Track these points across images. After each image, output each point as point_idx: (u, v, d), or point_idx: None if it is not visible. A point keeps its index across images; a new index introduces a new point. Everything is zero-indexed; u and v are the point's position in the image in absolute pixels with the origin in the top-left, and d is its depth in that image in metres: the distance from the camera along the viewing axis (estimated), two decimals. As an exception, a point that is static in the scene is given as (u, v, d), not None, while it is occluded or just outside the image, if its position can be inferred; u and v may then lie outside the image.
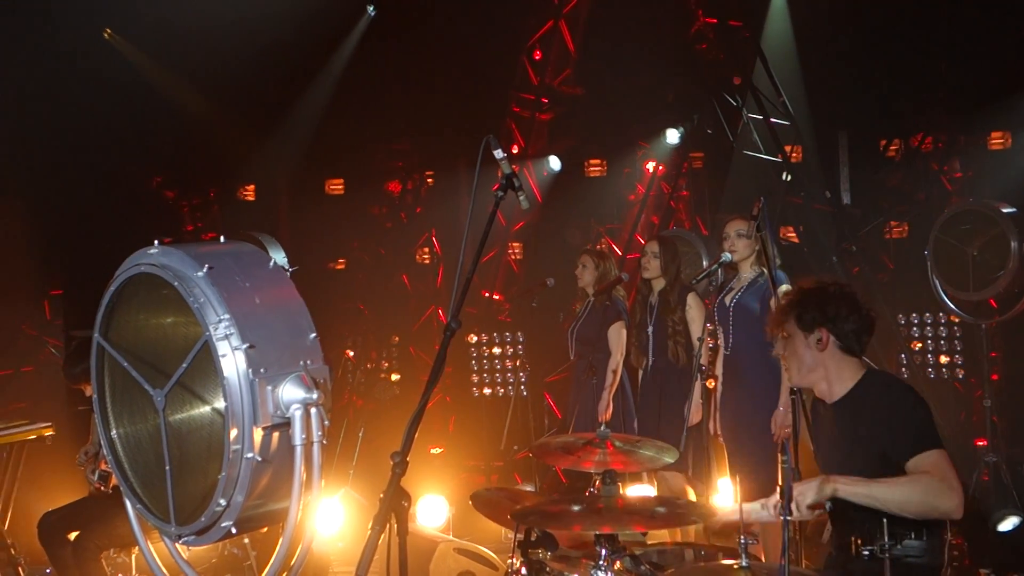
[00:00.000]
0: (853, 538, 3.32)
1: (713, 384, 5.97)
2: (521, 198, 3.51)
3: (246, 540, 6.22)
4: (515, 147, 9.84)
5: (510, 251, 9.88)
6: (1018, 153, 7.89)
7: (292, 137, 10.05)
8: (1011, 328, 7.74)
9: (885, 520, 3.11)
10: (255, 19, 8.60)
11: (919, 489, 3.25)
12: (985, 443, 7.23)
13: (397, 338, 9.74)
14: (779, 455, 3.07)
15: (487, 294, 9.76)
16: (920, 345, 7.89)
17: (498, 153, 3.44)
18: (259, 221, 9.94)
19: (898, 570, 3.14)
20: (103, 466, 5.52)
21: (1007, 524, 6.41)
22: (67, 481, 6.47)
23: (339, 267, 10.31)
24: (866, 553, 3.12)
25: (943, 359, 7.84)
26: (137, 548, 5.79)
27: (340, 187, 10.35)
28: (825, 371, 3.63)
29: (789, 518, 2.95)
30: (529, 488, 7.30)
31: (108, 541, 5.54)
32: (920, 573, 3.28)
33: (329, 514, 6.65)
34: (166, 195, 10.59)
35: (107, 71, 8.82)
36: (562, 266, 7.82)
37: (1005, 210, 7.10)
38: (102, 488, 5.55)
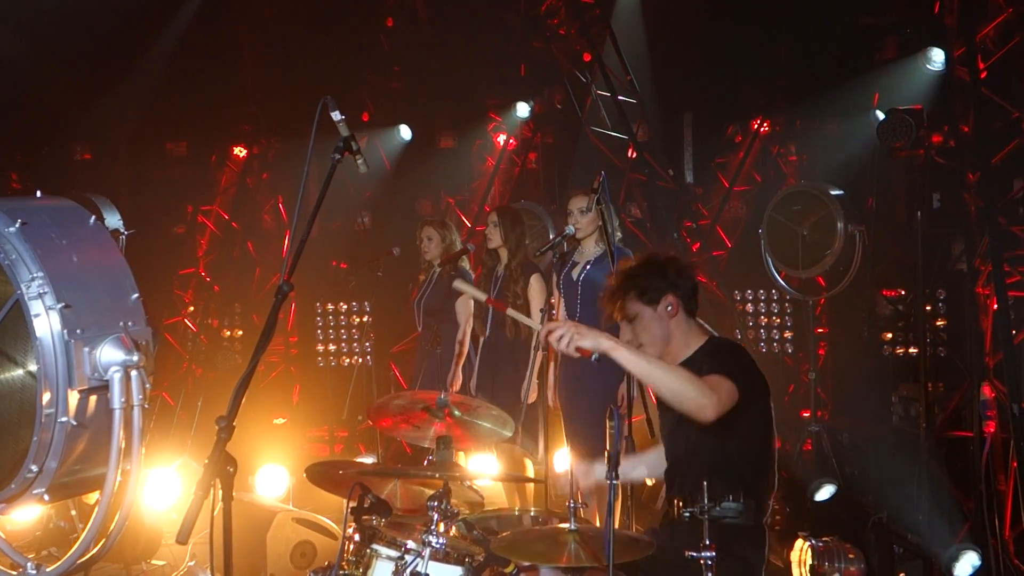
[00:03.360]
0: (676, 500, 3.45)
1: (552, 357, 6.07)
2: (359, 161, 3.46)
3: (73, 512, 6.01)
4: (366, 115, 9.72)
5: (358, 220, 9.77)
6: (848, 138, 8.27)
7: (132, 95, 9.61)
8: (836, 305, 8.16)
9: (705, 483, 3.24)
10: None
11: (693, 385, 3.32)
12: (809, 414, 7.60)
13: (239, 305, 9.51)
14: (607, 421, 3.15)
15: (334, 263, 9.63)
16: (753, 320, 8.22)
17: (336, 115, 3.40)
18: (96, 182, 9.48)
19: (717, 530, 3.28)
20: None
21: (824, 493, 6.76)
22: None
23: (181, 232, 9.97)
24: (687, 514, 3.24)
25: (775, 334, 8.19)
26: (-48, 521, 5.54)
27: (183, 149, 9.98)
28: (676, 338, 3.71)
29: (615, 482, 3.03)
30: (371, 460, 7.28)
31: None
32: (738, 533, 3.43)
33: (164, 486, 6.46)
34: (-10, 150, 9.99)
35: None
36: (410, 236, 7.78)
37: (833, 192, 7.45)
38: None
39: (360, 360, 8.80)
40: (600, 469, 3.83)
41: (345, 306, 8.88)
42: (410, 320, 7.34)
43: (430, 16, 9.63)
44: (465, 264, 7.02)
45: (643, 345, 3.70)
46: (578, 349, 3.30)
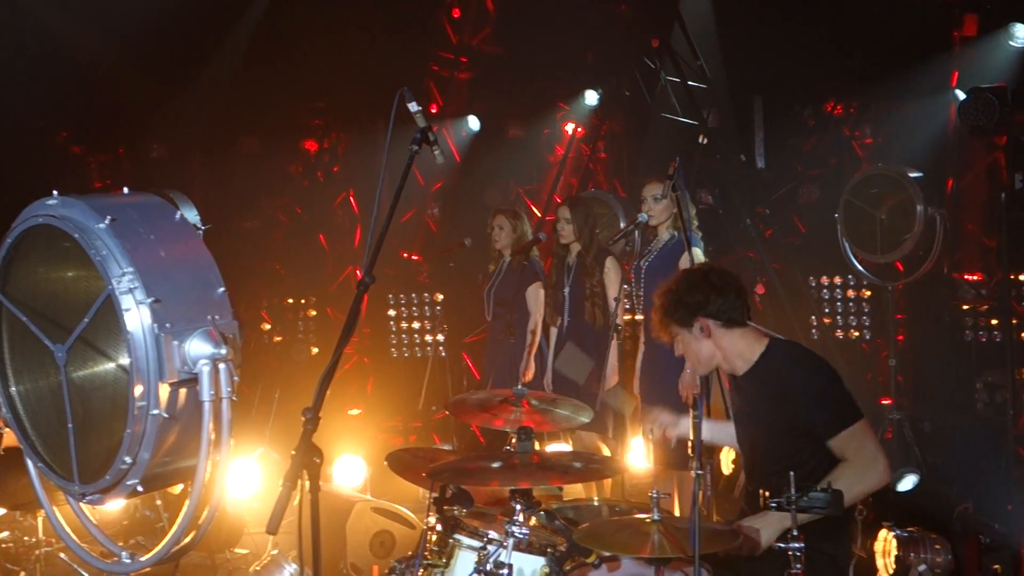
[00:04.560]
0: (761, 491, 3.40)
1: (628, 345, 6.05)
2: (436, 152, 3.47)
3: (158, 502, 6.13)
4: (434, 107, 9.75)
5: (428, 211, 9.82)
6: (926, 119, 8.07)
7: (206, 93, 9.78)
8: (916, 290, 7.97)
9: (792, 473, 3.18)
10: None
11: (854, 479, 3.40)
12: (890, 402, 7.44)
13: (314, 298, 9.62)
14: (691, 410, 3.11)
15: (405, 255, 9.69)
16: (830, 307, 8.07)
17: (412, 106, 3.40)
18: (171, 178, 9.67)
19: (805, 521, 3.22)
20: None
21: (906, 483, 6.60)
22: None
23: (254, 226, 10.12)
24: (773, 504, 3.19)
25: (852, 320, 8.04)
26: (43, 510, 5.70)
27: (255, 145, 10.12)
28: (722, 352, 3.70)
29: (699, 472, 2.99)
30: (447, 448, 7.33)
31: (1, 500, 5.45)
32: (826, 524, 3.37)
33: (245, 475, 6.57)
34: (72, 150, 10.23)
35: (6, 20, 8.45)
36: (480, 227, 7.79)
37: (912, 174, 7.27)
38: None
39: (432, 352, 8.85)
40: (685, 423, 3.83)
41: (417, 297, 8.93)
42: (481, 310, 7.35)
43: (497, 5, 9.60)
44: (535, 254, 6.99)
45: (690, 362, 3.83)
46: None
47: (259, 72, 9.59)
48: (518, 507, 3.49)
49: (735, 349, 3.68)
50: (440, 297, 8.91)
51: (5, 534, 6.09)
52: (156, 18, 8.41)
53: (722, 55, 9.12)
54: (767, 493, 3.20)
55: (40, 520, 5.77)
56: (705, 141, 8.70)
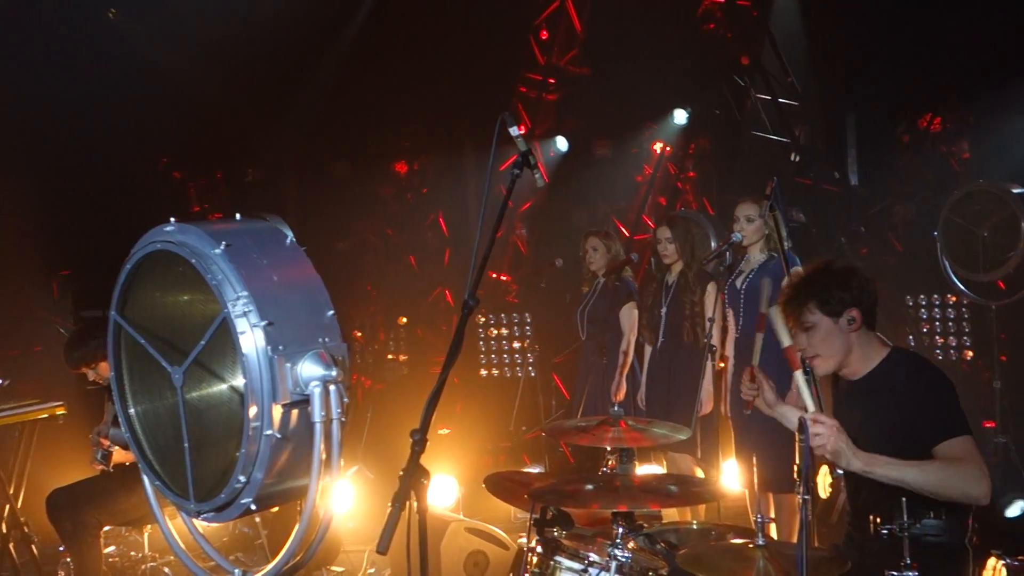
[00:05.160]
0: (871, 516, 3.31)
1: (724, 365, 5.98)
2: (537, 176, 3.49)
3: (257, 519, 6.24)
4: (522, 128, 9.76)
5: (517, 232, 9.86)
6: (1025, 134, 7.85)
7: (299, 118, 10.01)
8: (1020, 309, 7.72)
9: (904, 499, 3.10)
10: (262, 5, 8.56)
11: (955, 475, 3.21)
12: (994, 425, 7.21)
13: (405, 319, 9.73)
14: (797, 433, 3.06)
15: (494, 275, 9.74)
16: (928, 327, 7.87)
17: (513, 131, 3.43)
18: (266, 202, 9.93)
19: (917, 549, 3.13)
20: (105, 445, 5.58)
21: (1015, 509, 6.39)
22: (79, 459, 6.48)
23: (346, 248, 10.29)
24: (884, 532, 3.11)
25: (952, 341, 7.82)
26: (148, 526, 5.86)
27: (347, 168, 10.31)
28: (856, 351, 3.57)
29: (807, 497, 2.93)
30: (538, 469, 7.32)
31: (109, 518, 5.62)
32: (939, 552, 3.27)
33: (340, 493, 6.66)
34: (173, 176, 10.56)
35: (113, 51, 8.77)
36: (569, 247, 7.79)
37: (1015, 190, 7.07)
38: (103, 468, 5.60)
39: (521, 372, 8.87)
40: (785, 410, 3.76)
41: (506, 318, 8.97)
42: (569, 330, 7.34)
43: (585, 26, 9.63)
44: (628, 274, 6.97)
45: (819, 356, 3.58)
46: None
47: (350, 97, 9.79)
48: (620, 530, 3.47)
49: (863, 350, 3.56)
50: (529, 317, 8.93)
51: (112, 548, 6.27)
52: (253, 48, 8.66)
53: (814, 72, 9.00)
54: (878, 519, 3.12)
55: (146, 535, 5.93)
56: (797, 159, 8.59)
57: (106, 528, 5.81)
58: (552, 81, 9.87)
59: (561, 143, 9.85)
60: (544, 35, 9.81)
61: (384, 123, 10.13)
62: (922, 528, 3.02)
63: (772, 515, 5.47)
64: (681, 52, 9.32)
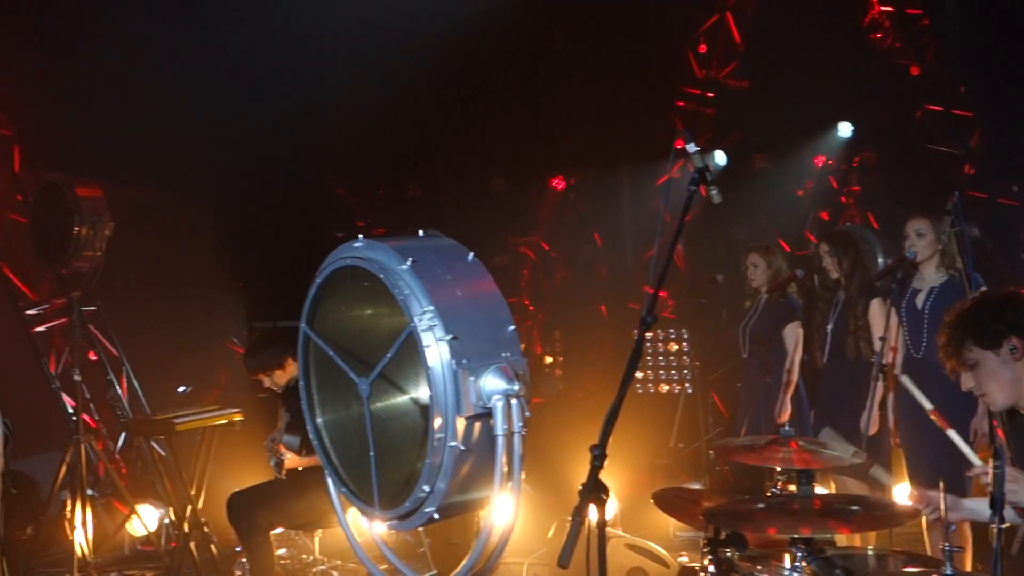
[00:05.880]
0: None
1: (892, 387, 5.78)
2: (713, 192, 3.47)
3: (420, 528, 6.35)
4: (680, 143, 9.69)
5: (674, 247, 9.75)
6: None
7: (455, 134, 10.19)
8: None
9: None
10: (424, 20, 8.74)
11: None
12: None
13: (559, 332, 9.77)
14: (991, 460, 2.93)
15: (651, 290, 9.64)
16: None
17: (691, 147, 3.42)
18: (424, 217, 10.13)
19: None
20: (279, 452, 5.80)
21: None
22: (255, 464, 6.78)
23: (503, 263, 10.42)
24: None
25: None
26: (319, 531, 6.06)
27: (503, 184, 10.44)
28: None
29: (1003, 526, 2.81)
30: (697, 486, 7.22)
31: (279, 520, 5.83)
32: None
33: (499, 506, 6.71)
34: (336, 191, 10.92)
35: (280, 70, 9.10)
36: (727, 262, 7.68)
37: None
38: (277, 474, 5.82)
39: (679, 389, 8.77)
40: (970, 504, 3.59)
41: (663, 334, 8.89)
42: (725, 347, 7.23)
43: (745, 38, 9.49)
44: (793, 290, 6.80)
45: (987, 394, 3.44)
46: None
47: (508, 113, 9.90)
48: (799, 554, 3.39)
49: None
50: (686, 333, 8.82)
51: (283, 551, 6.52)
52: (416, 67, 8.86)
53: (988, 80, 8.61)
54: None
55: (317, 540, 6.14)
56: (971, 172, 8.23)
57: (278, 530, 6.05)
58: (711, 95, 9.75)
59: (720, 157, 9.71)
60: (702, 48, 9.71)
61: (541, 139, 10.20)
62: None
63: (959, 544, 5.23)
64: (846, 63, 9.07)
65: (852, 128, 9.08)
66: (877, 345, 5.77)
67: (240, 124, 8.86)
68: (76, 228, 6.88)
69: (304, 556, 6.39)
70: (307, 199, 10.12)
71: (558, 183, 10.26)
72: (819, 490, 6.29)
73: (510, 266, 10.34)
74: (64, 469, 6.61)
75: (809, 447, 4.28)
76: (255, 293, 9.62)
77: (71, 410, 7.22)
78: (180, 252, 8.90)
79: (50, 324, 8.02)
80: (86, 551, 6.47)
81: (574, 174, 10.20)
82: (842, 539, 5.88)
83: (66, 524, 6.52)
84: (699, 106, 9.77)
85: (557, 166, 10.22)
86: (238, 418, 6.80)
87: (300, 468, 5.81)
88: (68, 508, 6.50)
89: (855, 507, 3.67)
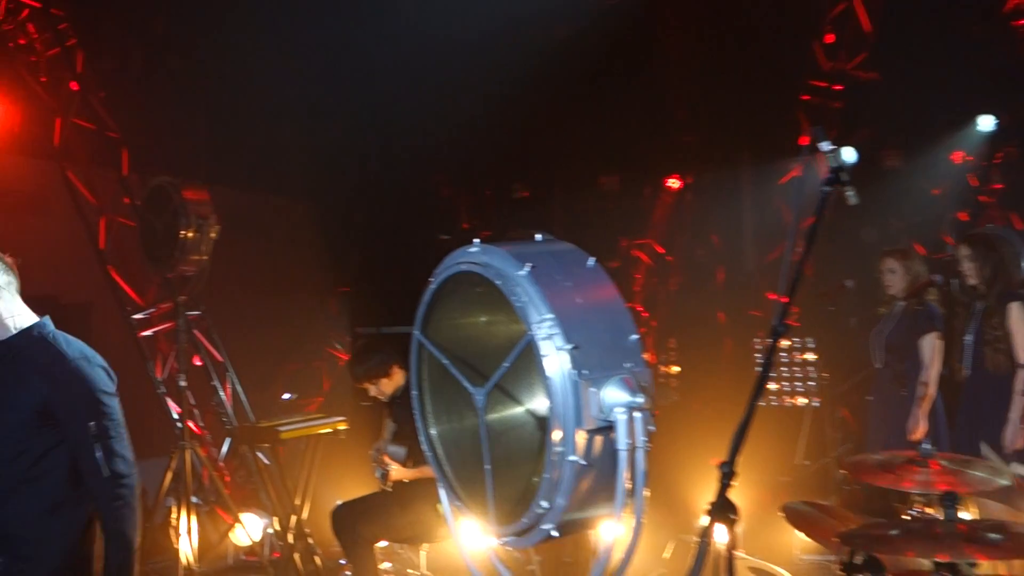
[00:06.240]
0: None
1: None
2: (850, 193, 3.20)
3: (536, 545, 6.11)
4: (805, 139, 9.22)
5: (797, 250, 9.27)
6: None
7: (567, 133, 9.91)
8: None
9: None
10: (533, 16, 8.52)
11: None
12: None
13: (674, 340, 9.39)
14: None
15: (773, 296, 9.22)
16: None
17: (825, 146, 3.17)
18: (532, 219, 9.90)
19: None
20: (385, 462, 5.66)
21: None
22: (359, 473, 6.62)
23: (615, 266, 10.08)
24: None
25: None
26: (425, 545, 5.86)
27: (616, 183, 10.11)
28: None
29: None
30: (826, 503, 6.80)
31: (383, 532, 5.71)
32: None
33: (608, 524, 6.41)
34: (442, 193, 10.76)
35: (385, 71, 9.00)
36: (857, 266, 7.24)
37: None
38: (383, 486, 5.68)
39: (805, 402, 8.29)
40: None
41: (788, 342, 8.43)
42: (854, 357, 6.79)
43: (876, 27, 8.94)
44: (932, 297, 6.33)
45: None
46: None
47: (620, 110, 9.58)
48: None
49: None
50: (812, 342, 8.34)
51: (387, 565, 6.33)
52: (524, 63, 8.64)
53: None
54: None
55: (422, 554, 5.93)
56: None
57: (383, 544, 5.86)
58: (838, 88, 9.23)
59: (849, 154, 9.14)
60: (829, 39, 9.20)
61: (655, 135, 9.83)
62: None
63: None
64: (986, 51, 8.47)
65: (995, 122, 8.48)
66: (1021, 356, 5.35)
67: (345, 127, 8.80)
68: (183, 232, 6.83)
69: (409, 571, 6.20)
70: (412, 201, 10.00)
71: (673, 182, 9.86)
72: (961, 514, 5.84)
73: (622, 270, 10.00)
74: (169, 476, 6.57)
75: (952, 467, 3.98)
76: (358, 298, 9.53)
77: (176, 416, 7.18)
78: (283, 256, 8.86)
79: (156, 329, 8.03)
80: (191, 560, 6.39)
81: (690, 172, 9.80)
82: (986, 566, 5.43)
83: (171, 532, 6.47)
84: (825, 100, 9.26)
85: (672, 164, 9.83)
86: (343, 427, 6.68)
87: (406, 480, 5.65)
88: (174, 516, 6.45)
89: (998, 534, 3.33)
